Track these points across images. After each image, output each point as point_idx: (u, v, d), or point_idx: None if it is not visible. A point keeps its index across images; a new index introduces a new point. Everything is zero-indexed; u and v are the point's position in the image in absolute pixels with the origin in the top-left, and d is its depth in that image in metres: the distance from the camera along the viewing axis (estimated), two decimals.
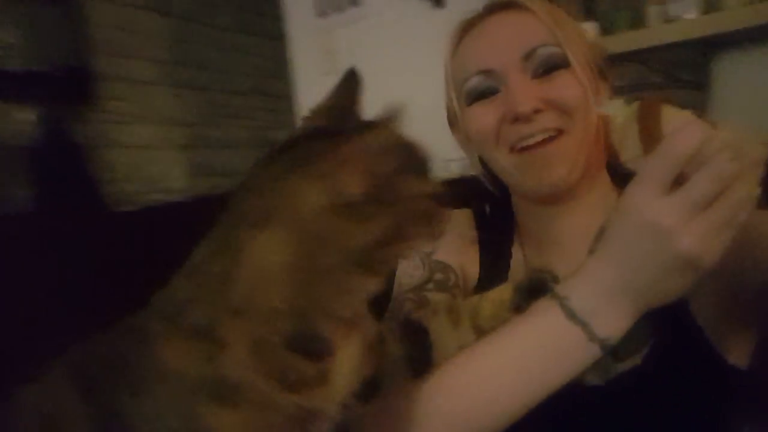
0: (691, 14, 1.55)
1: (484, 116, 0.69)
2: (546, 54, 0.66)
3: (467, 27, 0.71)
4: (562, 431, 0.63)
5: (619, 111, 0.74)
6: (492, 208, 0.82)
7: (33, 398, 0.40)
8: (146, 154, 2.05)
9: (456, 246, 0.78)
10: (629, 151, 0.92)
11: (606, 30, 1.63)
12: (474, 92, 0.69)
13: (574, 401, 0.58)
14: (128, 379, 0.37)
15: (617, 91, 1.37)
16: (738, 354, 0.62)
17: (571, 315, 0.51)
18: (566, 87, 0.66)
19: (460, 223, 0.81)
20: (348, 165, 0.40)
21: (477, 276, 0.77)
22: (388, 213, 0.40)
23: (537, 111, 0.65)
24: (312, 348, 0.40)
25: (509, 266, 0.76)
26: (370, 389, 0.46)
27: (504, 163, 0.70)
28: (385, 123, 0.43)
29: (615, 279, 0.50)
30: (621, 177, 0.73)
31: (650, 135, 0.97)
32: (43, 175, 1.71)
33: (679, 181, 0.46)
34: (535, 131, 0.66)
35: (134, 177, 2.00)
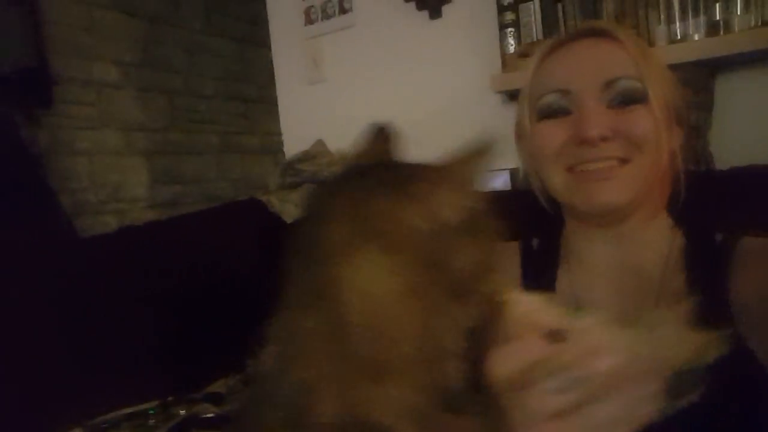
0: (698, 35, 1.57)
1: (551, 133, 0.70)
2: (627, 86, 0.67)
3: (555, 46, 0.72)
4: None
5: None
6: (540, 241, 0.83)
7: None
8: (108, 160, 1.96)
9: None
10: None
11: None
12: (547, 109, 0.71)
13: None
14: None
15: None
16: None
17: None
18: (639, 121, 0.67)
19: (505, 259, 0.81)
20: (442, 189, 0.36)
21: None
22: (477, 242, 0.37)
23: (604, 138, 0.66)
24: (460, 400, 0.33)
25: (554, 298, 0.76)
26: None
27: (557, 180, 0.71)
28: (468, 156, 0.39)
29: None
30: (685, 221, 0.74)
31: None
32: None
33: None
34: (598, 158, 0.67)
35: (95, 185, 1.90)
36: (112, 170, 1.96)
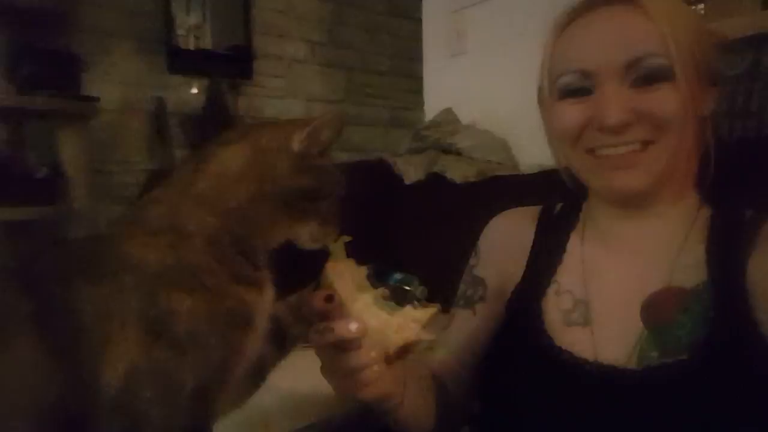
0: None
1: (570, 115, 0.67)
2: (651, 65, 0.62)
3: (574, 15, 0.68)
4: (589, 407, 0.64)
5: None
6: (563, 206, 0.82)
7: None
8: None
9: (499, 255, 0.81)
10: None
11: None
12: (567, 89, 0.67)
13: (605, 379, 0.63)
14: (85, 271, 0.44)
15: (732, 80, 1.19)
16: None
17: None
18: (664, 102, 0.62)
19: (520, 221, 0.82)
20: (299, 127, 0.52)
21: (521, 274, 0.78)
22: (314, 174, 0.51)
23: (626, 124, 0.62)
24: (251, 257, 0.49)
25: (561, 259, 0.76)
26: (280, 341, 0.57)
27: (578, 162, 0.70)
28: (331, 114, 0.56)
29: None
30: (716, 192, 0.70)
31: None
32: (200, 142, 1.98)
33: None
34: (619, 143, 0.64)
35: None
36: None
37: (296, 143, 0.51)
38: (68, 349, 0.41)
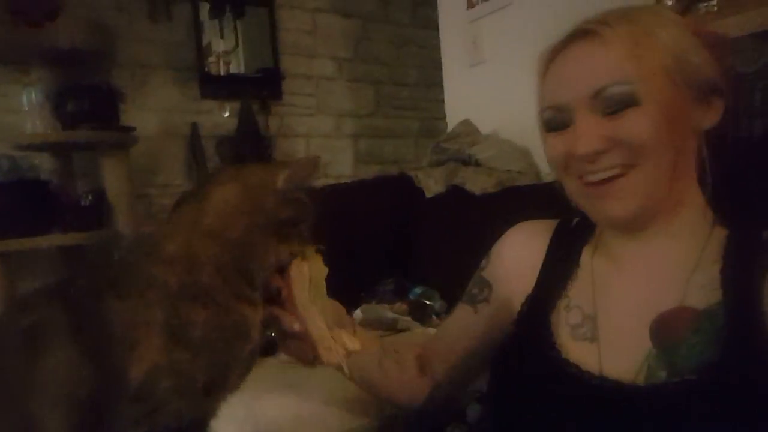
0: None
1: (553, 147, 0.70)
2: (615, 93, 0.63)
3: (552, 55, 0.71)
4: (594, 422, 0.65)
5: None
6: (580, 220, 0.83)
7: (14, 314, 0.55)
8: (321, 142, 2.32)
9: (509, 269, 0.83)
10: None
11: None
12: (548, 124, 0.71)
13: (611, 394, 0.64)
14: (117, 290, 0.53)
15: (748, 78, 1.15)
16: None
17: None
18: (634, 127, 0.63)
19: (535, 234, 0.84)
20: (281, 168, 0.61)
21: (533, 283, 0.79)
22: (295, 206, 0.61)
23: (599, 152, 0.65)
24: (248, 278, 0.58)
25: (574, 274, 0.77)
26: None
27: (572, 190, 0.72)
28: (308, 158, 0.65)
29: None
30: (733, 212, 0.69)
31: None
32: (233, 161, 2.07)
33: None
34: (597, 170, 0.66)
35: None
36: (323, 150, 2.32)
37: (280, 182, 0.60)
38: (100, 352, 0.51)
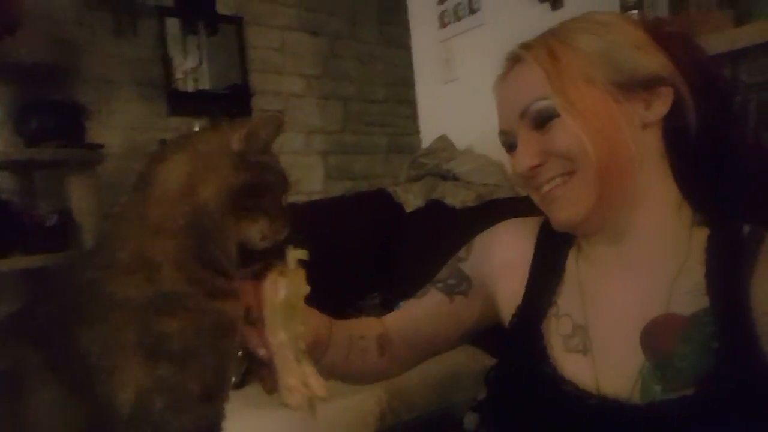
0: None
1: (513, 167, 0.74)
2: (537, 109, 0.67)
3: (497, 83, 0.75)
4: None
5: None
6: None
7: None
8: (290, 159, 2.30)
9: (500, 264, 0.82)
10: None
11: (742, 19, 1.46)
12: (504, 146, 0.75)
13: (609, 414, 0.63)
14: (81, 317, 0.48)
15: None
16: None
17: None
18: (557, 137, 0.66)
19: (522, 233, 0.83)
20: (237, 128, 0.54)
21: (524, 282, 0.79)
22: (256, 171, 0.54)
23: (536, 166, 0.68)
24: (219, 269, 0.52)
25: (560, 279, 0.77)
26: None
27: (535, 200, 0.74)
28: (269, 114, 0.57)
29: None
30: (711, 209, 0.69)
31: None
32: None
33: None
34: (541, 182, 0.69)
35: None
36: (293, 167, 2.26)
37: (235, 143, 0.53)
38: (82, 386, 0.46)
